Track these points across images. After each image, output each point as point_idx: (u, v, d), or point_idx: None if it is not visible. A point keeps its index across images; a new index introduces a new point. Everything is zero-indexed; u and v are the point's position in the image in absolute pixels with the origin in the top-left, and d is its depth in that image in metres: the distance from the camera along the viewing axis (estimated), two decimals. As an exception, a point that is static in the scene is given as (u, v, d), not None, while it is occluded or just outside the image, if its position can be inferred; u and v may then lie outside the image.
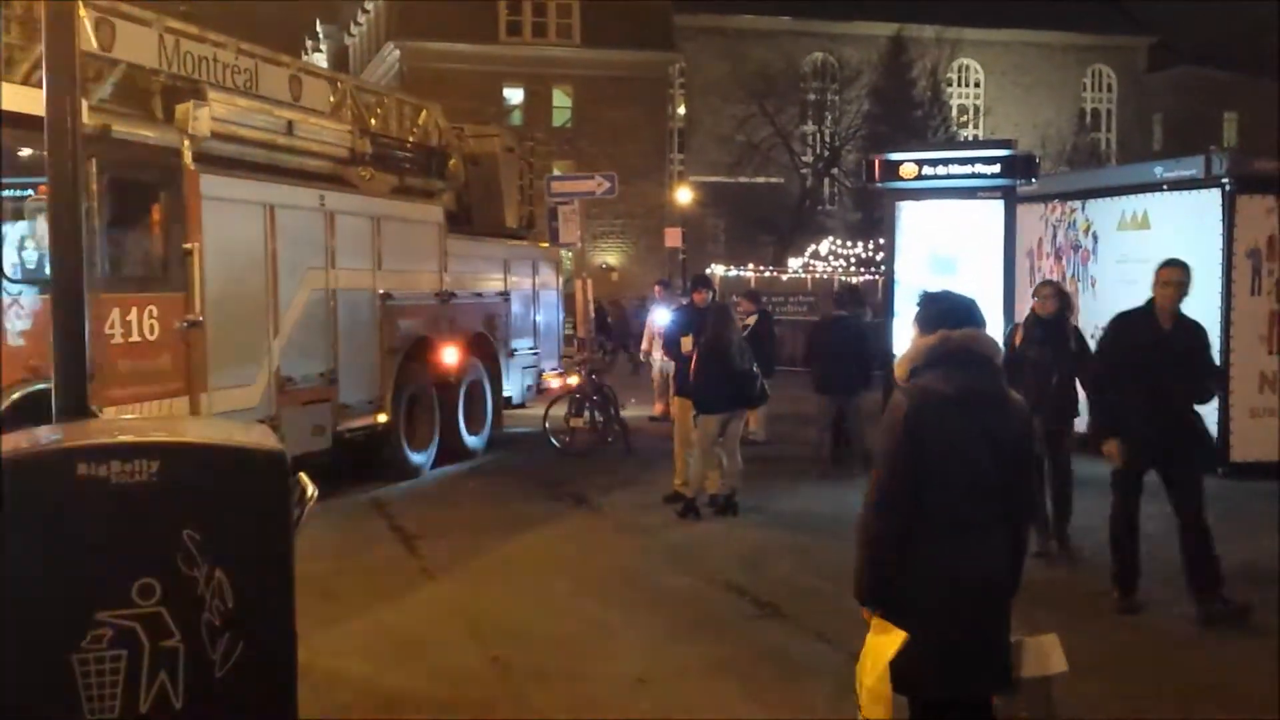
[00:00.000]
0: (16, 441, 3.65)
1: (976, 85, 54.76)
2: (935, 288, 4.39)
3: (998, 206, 12.53)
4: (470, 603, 7.84)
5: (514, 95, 43.48)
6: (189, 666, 3.57)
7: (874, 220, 42.69)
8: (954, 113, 51.21)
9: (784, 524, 10.21)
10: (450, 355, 13.25)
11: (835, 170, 48.14)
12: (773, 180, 46.80)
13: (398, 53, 42.11)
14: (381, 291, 12.14)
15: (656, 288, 18.51)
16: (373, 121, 13.29)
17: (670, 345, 11.54)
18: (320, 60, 51.41)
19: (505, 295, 14.86)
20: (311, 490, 4.15)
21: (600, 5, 42.43)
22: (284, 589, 3.78)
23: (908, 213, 12.90)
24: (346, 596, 7.84)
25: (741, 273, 33.71)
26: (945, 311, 4.11)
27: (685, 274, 31.34)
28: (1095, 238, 13.70)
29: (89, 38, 8.98)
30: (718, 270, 33.35)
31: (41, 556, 3.51)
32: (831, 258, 37.36)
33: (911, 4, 46.00)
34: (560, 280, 16.66)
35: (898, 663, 3.89)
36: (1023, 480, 4.13)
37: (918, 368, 4.03)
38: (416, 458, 12.78)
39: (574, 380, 14.94)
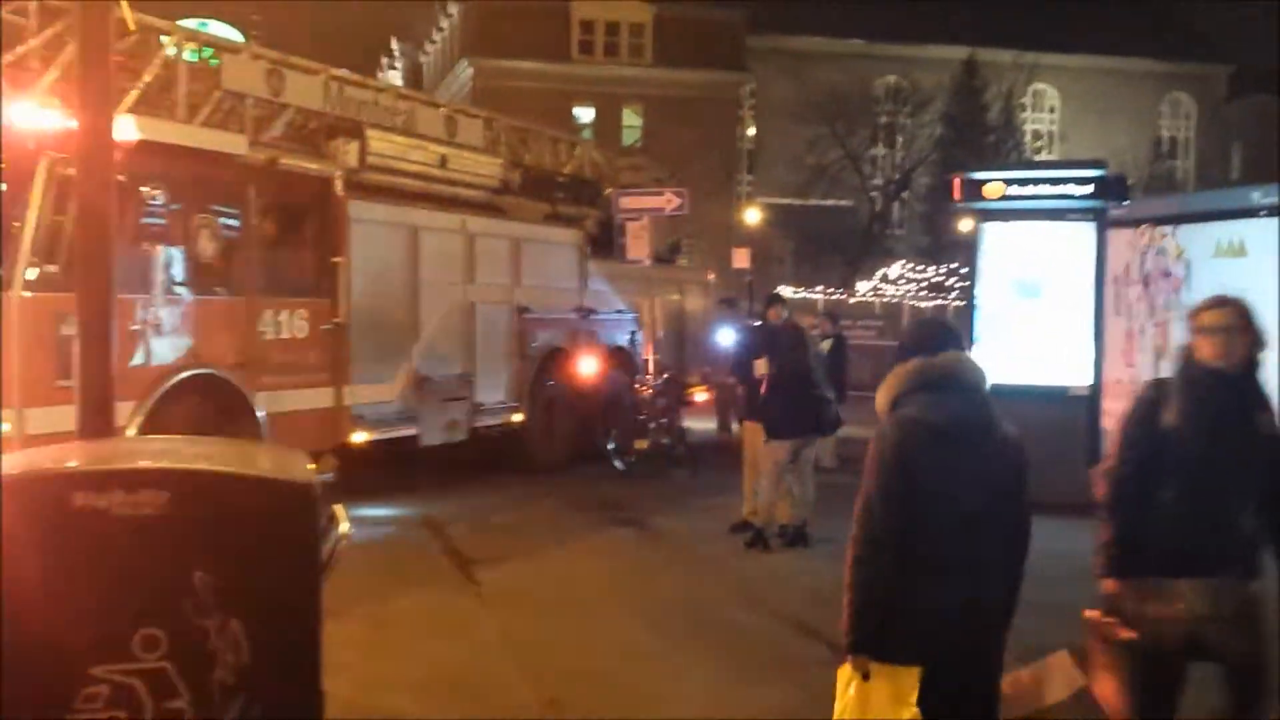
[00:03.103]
0: (11, 464, 3.22)
1: (1051, 111, 53.82)
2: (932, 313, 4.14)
3: (1088, 229, 11.93)
4: (526, 636, 7.43)
5: (584, 114, 43.31)
6: (196, 732, 3.07)
7: (943, 245, 42.12)
8: (1028, 138, 50.35)
9: (858, 558, 9.68)
10: (588, 365, 14.65)
11: (905, 194, 47.45)
12: (842, 203, 46.23)
13: (471, 70, 42.17)
14: (520, 305, 13.64)
15: (720, 307, 17.98)
16: (527, 156, 14.92)
17: (740, 367, 11.04)
18: (395, 77, 51.73)
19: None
20: (345, 527, 3.66)
21: (673, 25, 42.23)
22: (309, 642, 3.25)
23: (991, 234, 12.32)
24: (399, 626, 7.51)
25: (809, 295, 33.22)
26: (925, 336, 4.01)
27: (753, 295, 30.89)
28: (1188, 265, 13.04)
29: (261, 85, 10.74)
30: (784, 291, 32.87)
31: (30, 600, 3.03)
32: (902, 281, 36.70)
33: (986, 28, 45.30)
34: (709, 301, 17.98)
35: None
36: (1019, 512, 3.91)
37: (900, 395, 3.83)
38: (552, 456, 14.08)
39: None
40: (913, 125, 47.77)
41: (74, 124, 8.01)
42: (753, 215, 42.73)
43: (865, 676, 3.72)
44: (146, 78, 9.74)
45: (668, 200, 15.17)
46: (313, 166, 11.08)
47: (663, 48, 42.86)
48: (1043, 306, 11.97)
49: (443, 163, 12.75)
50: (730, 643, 7.35)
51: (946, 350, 3.87)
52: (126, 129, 8.77)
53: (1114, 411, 13.40)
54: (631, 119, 44.14)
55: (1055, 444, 11.48)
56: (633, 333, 15.71)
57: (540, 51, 41.48)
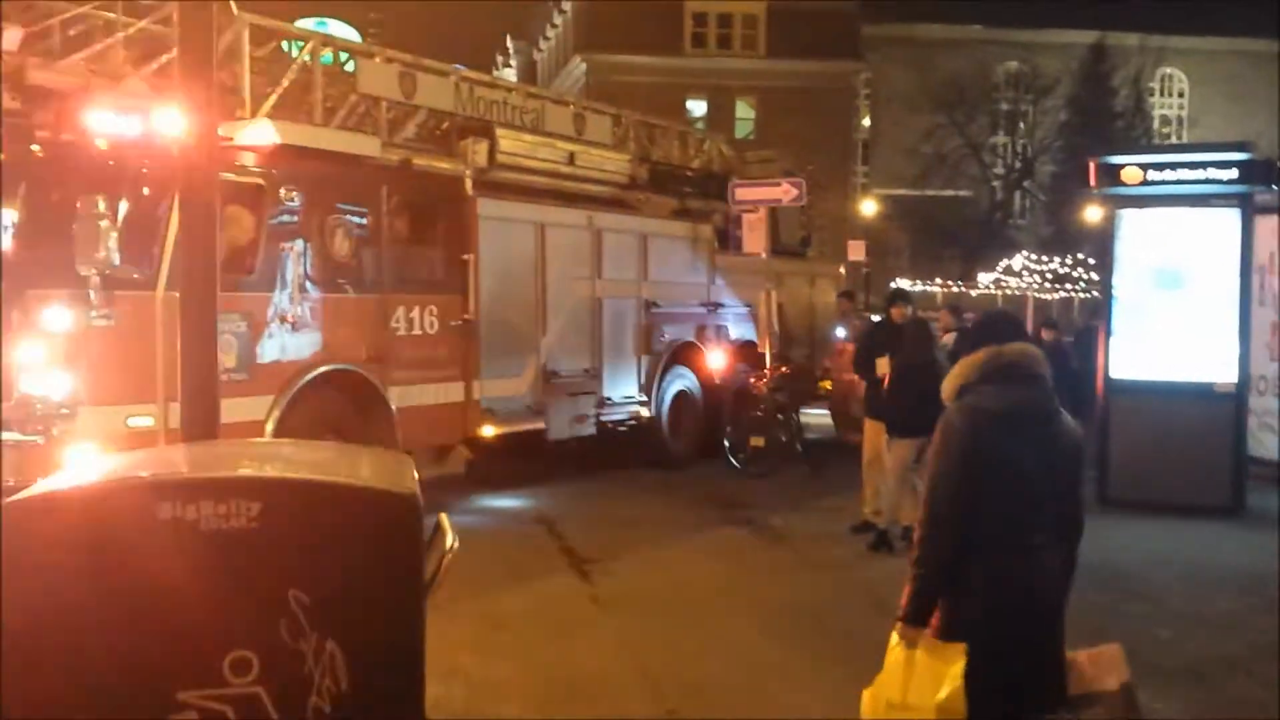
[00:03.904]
0: (95, 471, 3.03)
1: (1180, 95, 52.13)
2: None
3: (1232, 216, 11.26)
4: (643, 641, 7.20)
5: (697, 107, 43.02)
6: (290, 761, 2.83)
7: (1068, 234, 40.98)
8: (1156, 124, 48.77)
9: (987, 562, 9.26)
10: (716, 359, 14.68)
11: (1027, 183, 46.28)
12: (960, 193, 45.25)
13: (584, 66, 42.27)
14: (646, 299, 13.78)
15: (840, 300, 17.47)
16: (655, 151, 14.97)
17: (862, 364, 10.65)
18: (510, 75, 52.10)
19: (780, 307, 15.46)
20: (452, 540, 3.38)
21: (786, 16, 41.65)
22: (411, 666, 2.98)
23: (1128, 222, 11.71)
24: (513, 627, 7.34)
25: (928, 287, 32.52)
26: (993, 328, 4.18)
27: (870, 288, 30.35)
28: (1340, 253, 12.27)
29: (394, 88, 10.99)
30: (902, 284, 32.22)
31: (115, 619, 2.82)
32: (1025, 273, 35.71)
33: (1112, 11, 43.91)
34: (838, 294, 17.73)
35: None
36: (1075, 498, 4.06)
37: (968, 384, 3.97)
38: (678, 451, 14.15)
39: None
40: (1035, 112, 46.56)
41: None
42: (869, 207, 42.06)
43: (911, 645, 3.90)
44: (284, 82, 10.11)
45: (784, 191, 14.69)
46: (444, 166, 11.31)
47: (776, 39, 42.33)
48: (1184, 297, 11.34)
49: (571, 160, 12.90)
50: (855, 651, 6.95)
51: (1013, 342, 4.00)
52: (267, 133, 9.27)
53: (1260, 409, 12.74)
54: (744, 111, 43.72)
55: (1200, 444, 10.91)
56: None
57: (653, 46, 41.33)
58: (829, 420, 16.40)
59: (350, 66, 11.33)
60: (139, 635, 2.86)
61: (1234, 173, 11.23)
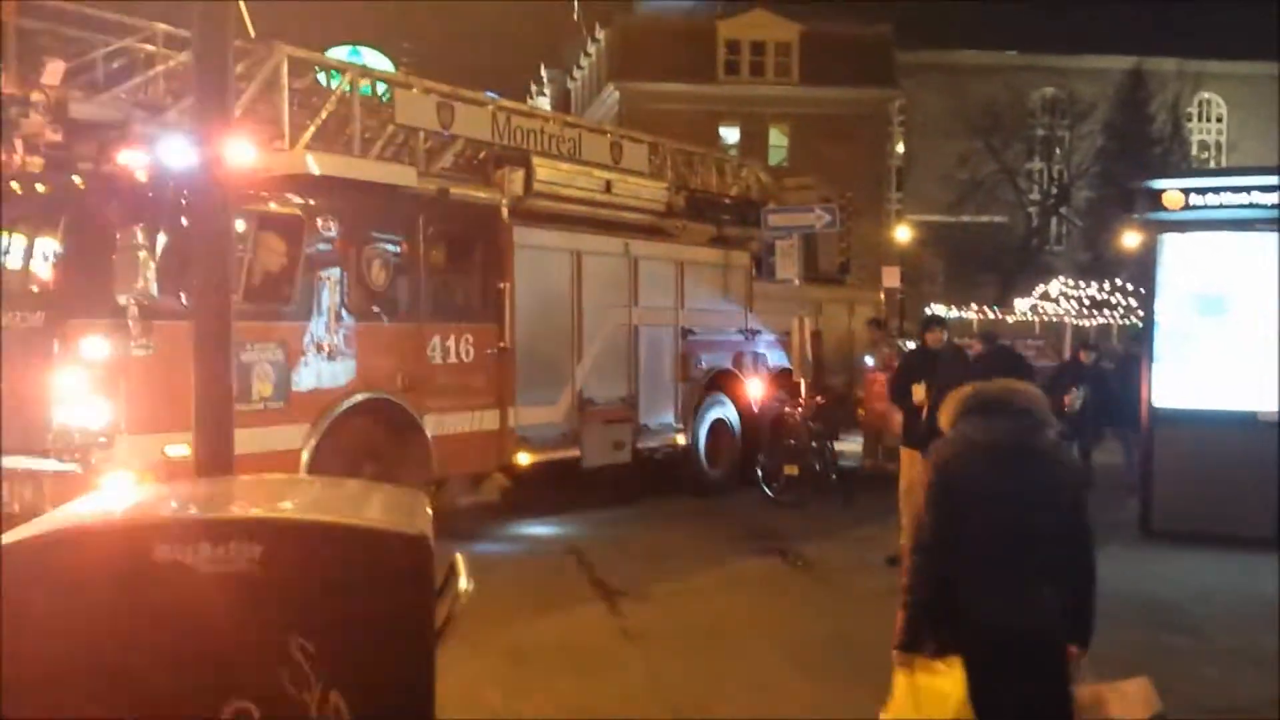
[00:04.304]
0: (89, 511, 2.91)
1: (1218, 120, 51.73)
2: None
3: (1274, 240, 11.04)
4: (673, 676, 7.07)
5: (730, 134, 42.99)
6: (293, 819, 2.70)
7: (1105, 260, 40.64)
8: (1194, 149, 48.38)
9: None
10: (753, 387, 14.62)
11: (1064, 209, 45.94)
12: (996, 219, 44.98)
13: (617, 94, 42.35)
14: (684, 327, 13.75)
15: (869, 328, 17.24)
16: (692, 179, 14.99)
17: (898, 392, 10.50)
18: (544, 103, 52.32)
19: (816, 334, 15.33)
20: (465, 584, 3.23)
21: (820, 43, 41.65)
22: (420, 718, 2.83)
23: (1170, 247, 11.51)
24: (540, 661, 7.22)
25: (964, 314, 32.26)
26: (986, 361, 4.42)
27: (904, 314, 30.16)
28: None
29: (432, 118, 11.11)
30: (938, 310, 31.97)
31: (108, 666, 2.67)
32: (1062, 299, 35.40)
33: (1148, 36, 43.65)
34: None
35: None
36: (1074, 535, 4.00)
37: (957, 416, 4.09)
38: (715, 479, 14.15)
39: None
40: (1072, 137, 46.30)
41: (252, 159, 8.52)
42: (903, 233, 41.85)
43: (910, 672, 3.96)
44: (323, 114, 10.25)
45: (817, 217, 14.62)
46: (480, 195, 11.43)
47: (809, 66, 42.29)
48: (1227, 324, 11.14)
49: (607, 188, 12.97)
50: (888, 685, 6.82)
51: (1002, 377, 4.13)
52: (305, 164, 9.49)
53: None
54: (778, 138, 43.64)
55: (1244, 474, 10.68)
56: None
57: (686, 73, 41.40)
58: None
59: (387, 97, 11.39)
60: (134, 684, 2.72)
61: (1276, 196, 11.04)
